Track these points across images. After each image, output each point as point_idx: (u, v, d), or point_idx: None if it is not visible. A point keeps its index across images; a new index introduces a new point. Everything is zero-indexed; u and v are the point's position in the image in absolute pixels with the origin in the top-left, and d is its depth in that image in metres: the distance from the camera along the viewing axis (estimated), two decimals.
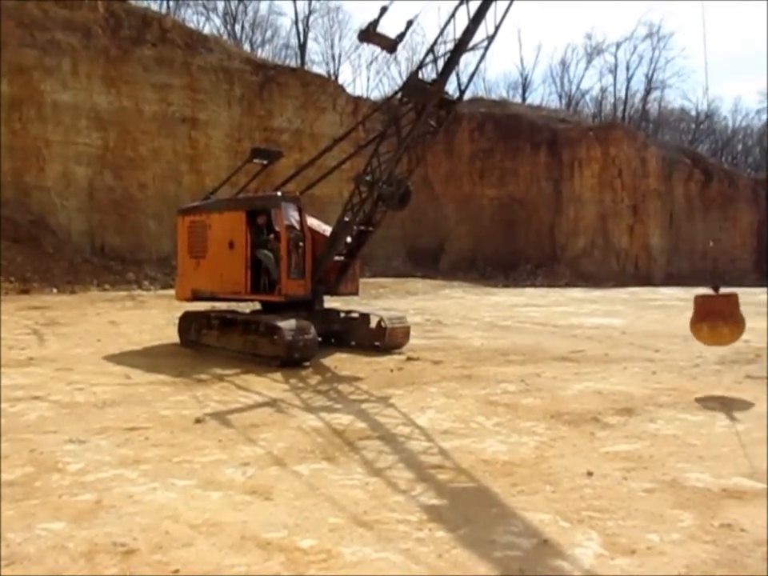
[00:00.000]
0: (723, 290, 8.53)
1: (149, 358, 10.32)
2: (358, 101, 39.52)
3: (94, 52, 28.11)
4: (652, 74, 58.94)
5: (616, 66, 58.87)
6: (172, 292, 16.34)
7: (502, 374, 9.25)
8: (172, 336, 12.18)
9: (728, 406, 7.26)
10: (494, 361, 10.52)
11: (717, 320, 8.41)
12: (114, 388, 7.94)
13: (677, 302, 25.44)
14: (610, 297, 28.81)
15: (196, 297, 11.89)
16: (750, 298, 28.08)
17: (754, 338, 14.13)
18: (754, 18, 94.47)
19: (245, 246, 10.94)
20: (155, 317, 16.37)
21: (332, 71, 50.26)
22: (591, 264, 41.06)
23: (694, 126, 64.75)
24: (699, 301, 8.63)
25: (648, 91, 59.62)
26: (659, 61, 58.67)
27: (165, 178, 30.37)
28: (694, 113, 63.83)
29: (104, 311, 17.44)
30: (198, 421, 6.37)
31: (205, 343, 11.25)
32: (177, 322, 12.11)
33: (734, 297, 8.42)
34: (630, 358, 10.89)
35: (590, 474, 4.90)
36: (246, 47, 45.28)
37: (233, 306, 12.14)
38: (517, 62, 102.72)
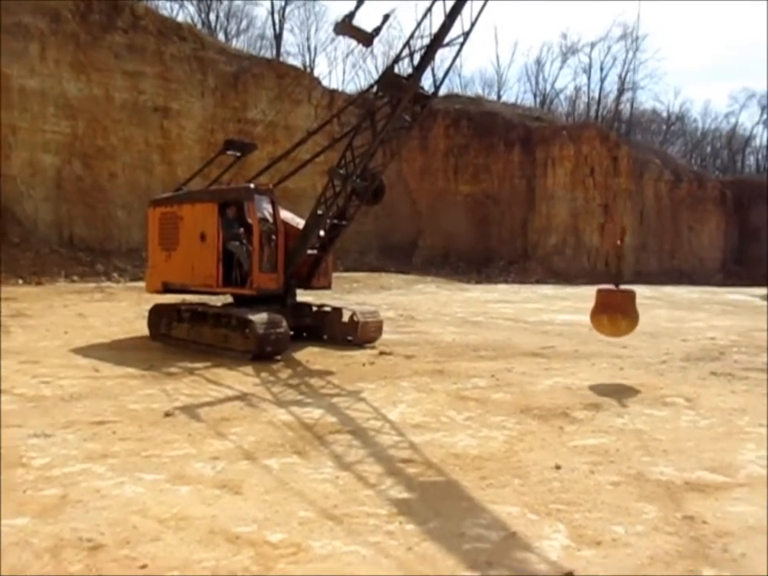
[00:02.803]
0: (623, 287, 8.97)
1: (117, 351, 10.17)
2: (333, 94, 39.31)
3: (62, 37, 27.47)
4: (625, 75, 59.60)
5: (590, 66, 59.50)
6: (142, 284, 16.12)
7: (474, 369, 9.32)
8: (141, 329, 12.02)
9: (693, 401, 7.42)
10: (465, 356, 10.59)
11: (616, 313, 8.83)
12: (81, 381, 7.82)
13: (645, 300, 25.81)
14: (581, 294, 29.09)
15: (166, 289, 11.75)
16: (716, 297, 28.75)
17: (719, 335, 14.48)
18: (727, 25, 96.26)
19: (217, 238, 10.83)
20: (124, 309, 16.14)
21: (308, 63, 50.02)
22: (563, 261, 41.52)
23: (664, 127, 65.79)
24: (602, 294, 9.02)
25: (621, 92, 60.29)
26: (633, 62, 59.42)
27: (136, 168, 29.86)
28: (665, 114, 64.89)
29: (72, 303, 17.12)
30: (167, 414, 6.30)
31: (175, 336, 11.13)
32: (147, 314, 11.96)
33: (633, 293, 8.92)
34: (599, 354, 11.05)
35: (558, 467, 4.97)
36: (221, 37, 44.78)
37: (204, 299, 12.02)
38: (492, 59, 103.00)
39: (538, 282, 37.72)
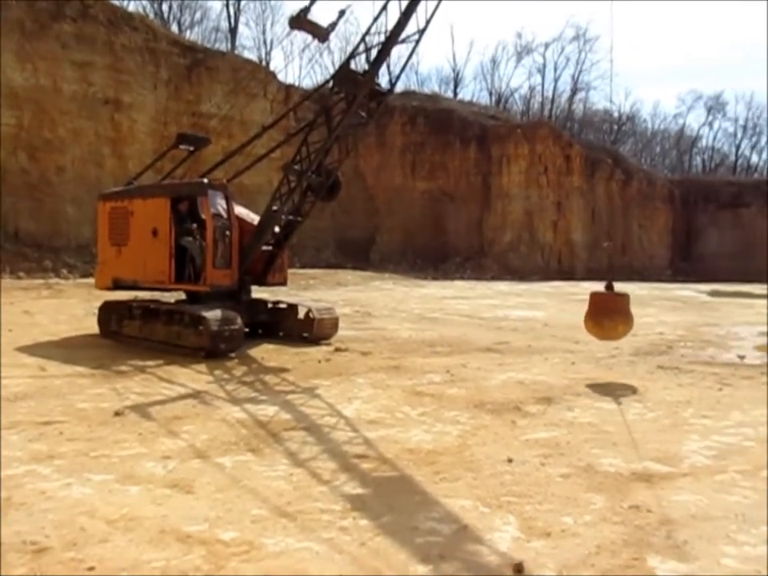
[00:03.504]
0: (617, 289, 8.91)
1: (66, 350, 9.90)
2: (289, 88, 38.99)
3: (7, 25, 26.48)
4: (578, 76, 60.92)
5: (544, 65, 60.55)
6: (92, 281, 15.70)
7: (429, 364, 9.38)
8: (91, 327, 11.73)
9: (640, 394, 7.63)
10: (421, 352, 10.66)
11: (613, 317, 8.75)
12: (27, 380, 7.58)
13: None
14: (535, 290, 29.66)
15: (117, 286, 11.50)
16: (665, 293, 29.59)
17: (668, 330, 14.91)
18: (674, 28, 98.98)
19: (169, 234, 10.64)
20: (73, 306, 15.71)
21: (263, 57, 49.47)
22: (517, 258, 42.15)
23: (616, 127, 67.30)
24: (596, 299, 8.90)
25: (574, 92, 61.59)
26: (585, 63, 60.69)
27: (85, 162, 29.04)
28: (616, 115, 66.36)
29: (18, 300, 16.58)
30: (117, 414, 6.17)
31: (126, 334, 10.90)
32: (96, 312, 11.67)
33: (627, 297, 8.86)
34: (552, 349, 11.26)
35: (510, 460, 5.05)
36: (174, 28, 43.89)
37: (156, 295, 11.80)
38: (449, 57, 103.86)
39: (494, 278, 38.21)
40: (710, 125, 71.97)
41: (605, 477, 4.75)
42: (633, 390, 7.85)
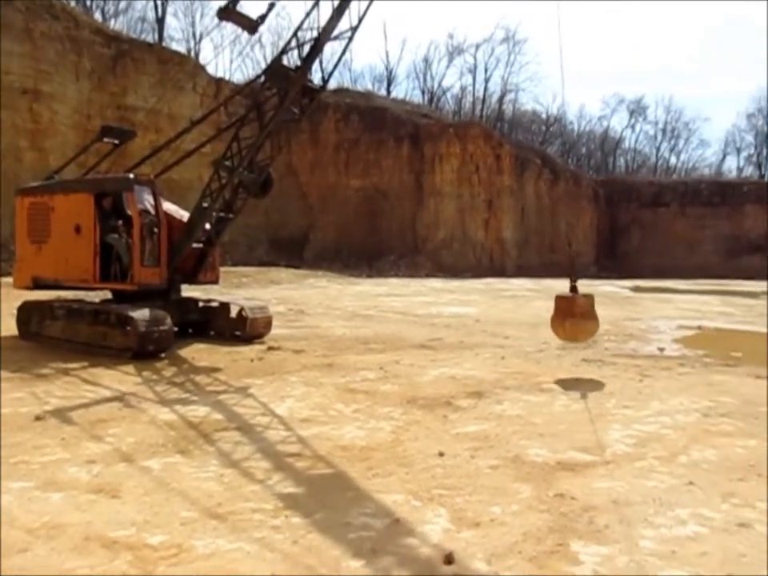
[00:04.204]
0: (581, 291, 8.86)
1: None
2: (220, 83, 38.28)
3: None
4: (507, 77, 62.39)
5: (475, 66, 61.70)
6: (10, 279, 14.97)
7: (363, 362, 9.42)
8: (10, 328, 11.18)
9: (567, 386, 7.89)
10: (355, 349, 10.68)
11: (579, 319, 8.68)
12: None
13: (526, 293, 27.19)
14: (467, 287, 30.19)
15: (37, 285, 11.02)
16: (590, 289, 30.63)
17: None
18: (599, 33, 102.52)
19: (93, 230, 10.27)
20: None
21: (192, 49, 48.30)
22: (450, 255, 42.81)
23: (544, 128, 69.27)
24: (561, 302, 8.84)
25: (504, 93, 62.99)
26: (514, 65, 62.21)
27: (2, 155, 27.65)
28: (544, 116, 68.31)
29: None
30: (37, 418, 5.92)
31: (48, 335, 10.47)
32: (15, 312, 11.14)
33: (592, 298, 8.86)
34: (483, 345, 11.49)
35: (441, 454, 5.13)
36: (98, 17, 42.26)
37: (81, 295, 11.38)
38: (382, 55, 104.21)
39: (428, 275, 38.68)
40: (633, 127, 75.25)
41: (532, 467, 4.90)
42: (560, 383, 8.10)
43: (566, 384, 8.05)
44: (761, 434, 5.85)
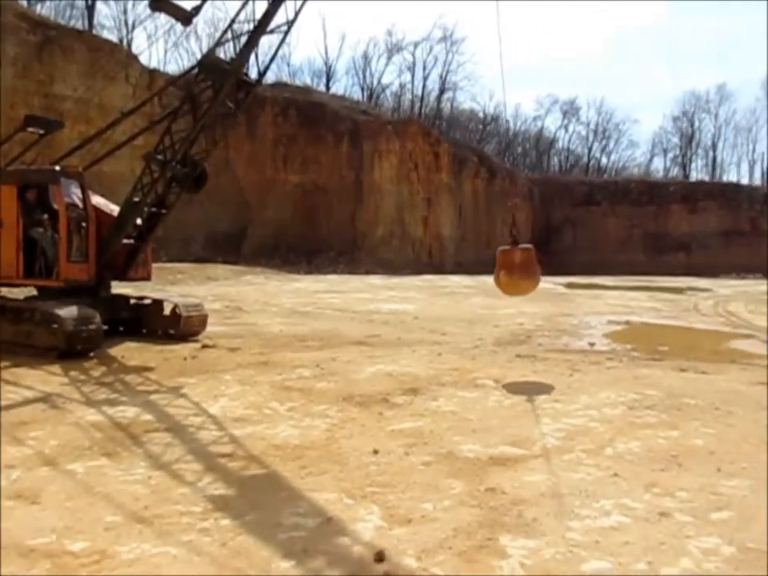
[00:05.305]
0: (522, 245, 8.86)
1: None
2: (153, 73, 37.22)
3: None
4: (445, 76, 63.06)
5: (414, 64, 62.07)
6: None
7: (299, 359, 9.34)
8: None
9: (500, 382, 8.04)
10: (291, 347, 10.58)
11: (519, 269, 8.69)
12: None
13: (464, 289, 27.59)
14: (406, 284, 30.39)
15: None
16: None
17: (527, 320, 15.84)
18: (534, 32, 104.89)
19: (16, 224, 9.83)
20: None
21: (125, 39, 46.77)
22: (389, 252, 42.99)
23: (481, 127, 70.38)
24: (502, 255, 8.79)
25: (442, 91, 63.66)
26: (452, 63, 62.92)
27: None
28: (481, 115, 69.41)
29: None
30: None
31: None
32: None
33: (532, 250, 8.86)
34: (420, 342, 11.58)
35: (375, 452, 5.14)
36: (23, 2, 40.34)
37: (4, 291, 10.87)
38: (321, 50, 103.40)
39: (367, 272, 38.70)
40: (566, 128, 77.28)
41: (464, 462, 4.97)
42: (493, 379, 8.24)
43: (500, 379, 8.18)
44: (683, 425, 6.11)
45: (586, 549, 3.54)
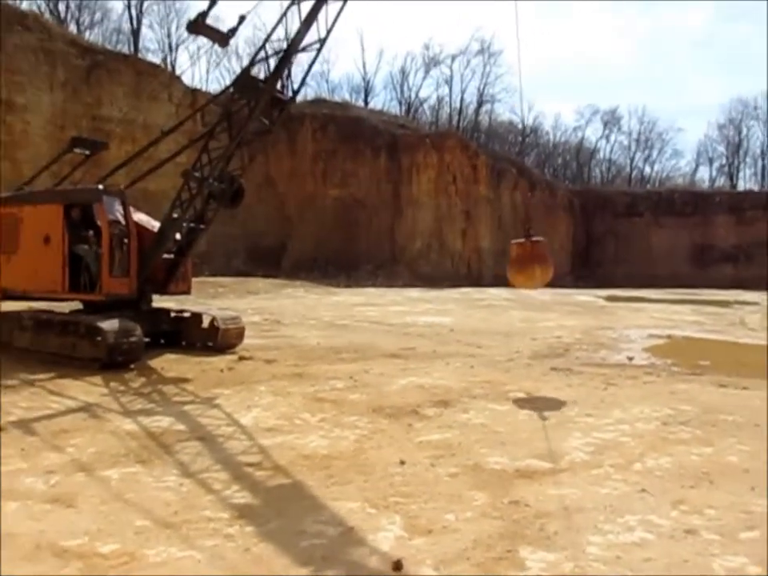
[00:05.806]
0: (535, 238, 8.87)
1: None
2: (195, 92, 38.20)
3: None
4: (483, 88, 63.05)
5: (451, 77, 62.26)
6: None
7: (333, 371, 9.44)
8: None
9: (532, 395, 7.98)
10: (326, 359, 10.70)
11: (529, 262, 8.76)
12: None
13: (503, 302, 27.37)
14: (444, 297, 30.32)
15: (6, 296, 10.95)
16: (565, 298, 30.99)
17: (566, 334, 15.65)
18: (573, 46, 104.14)
19: (62, 241, 10.24)
20: None
21: (168, 60, 48.22)
22: (428, 265, 42.98)
23: (520, 138, 69.98)
24: (515, 247, 8.87)
25: (480, 104, 63.64)
26: (490, 76, 62.90)
27: None
28: (520, 127, 68.99)
29: None
30: None
31: (17, 346, 10.37)
32: None
33: (545, 242, 8.89)
34: (455, 354, 11.57)
35: (402, 462, 5.18)
36: (72, 28, 42.07)
37: (53, 305, 11.30)
38: (359, 65, 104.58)
39: (405, 285, 38.73)
40: (607, 138, 76.21)
41: (490, 475, 4.97)
42: (525, 392, 8.20)
43: (532, 392, 8.14)
44: (718, 441, 5.98)
45: (606, 564, 3.52)
